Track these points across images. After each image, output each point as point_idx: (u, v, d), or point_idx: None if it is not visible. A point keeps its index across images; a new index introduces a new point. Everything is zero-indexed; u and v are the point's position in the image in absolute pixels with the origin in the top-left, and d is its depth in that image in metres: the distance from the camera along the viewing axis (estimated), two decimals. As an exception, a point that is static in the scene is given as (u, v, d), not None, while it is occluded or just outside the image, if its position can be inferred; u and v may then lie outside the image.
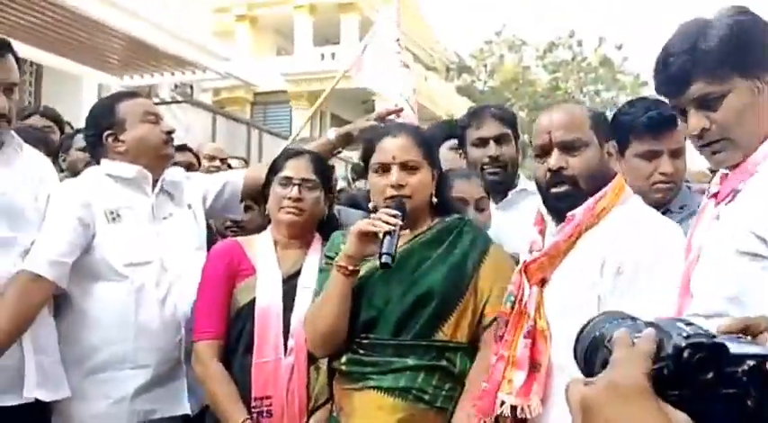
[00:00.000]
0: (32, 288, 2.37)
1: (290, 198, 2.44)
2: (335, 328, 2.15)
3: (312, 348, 2.24)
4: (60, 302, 2.54)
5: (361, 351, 2.15)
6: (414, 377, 2.09)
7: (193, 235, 2.67)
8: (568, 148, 1.97)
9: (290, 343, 2.35)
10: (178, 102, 12.99)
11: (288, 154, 2.62)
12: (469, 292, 2.16)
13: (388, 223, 2.05)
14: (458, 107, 26.41)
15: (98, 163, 2.73)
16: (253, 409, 2.32)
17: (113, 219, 2.56)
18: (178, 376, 2.57)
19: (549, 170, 1.97)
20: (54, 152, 3.92)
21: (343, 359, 2.17)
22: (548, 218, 2.09)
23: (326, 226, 2.55)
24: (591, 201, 1.96)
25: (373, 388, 2.11)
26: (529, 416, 1.90)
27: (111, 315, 2.51)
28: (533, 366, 1.92)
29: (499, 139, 2.89)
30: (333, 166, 2.72)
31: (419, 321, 2.11)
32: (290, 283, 2.44)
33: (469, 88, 32.01)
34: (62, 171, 3.67)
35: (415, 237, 2.22)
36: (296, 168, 2.49)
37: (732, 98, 1.65)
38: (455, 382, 2.13)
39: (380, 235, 2.05)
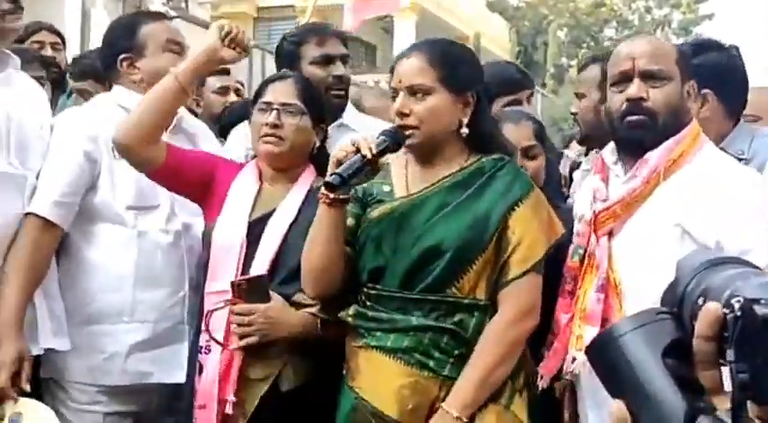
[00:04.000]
0: (43, 237, 2.42)
1: (266, 124, 2.39)
2: (324, 267, 2.14)
3: (304, 285, 2.21)
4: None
5: (368, 303, 2.15)
6: (418, 339, 2.07)
7: None
8: (652, 78, 2.04)
9: None
10: (171, 17, 12.82)
11: (271, 78, 2.59)
12: (494, 245, 2.09)
13: (359, 150, 2.03)
14: (488, 25, 25.99)
15: (110, 88, 2.71)
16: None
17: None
18: (179, 338, 2.57)
19: (628, 99, 2.02)
20: (63, 74, 3.87)
21: (351, 311, 2.17)
22: (611, 163, 2.13)
23: (320, 158, 2.49)
24: (669, 143, 2.01)
25: (374, 348, 2.11)
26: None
27: (109, 261, 2.52)
28: (603, 323, 1.98)
29: (345, 59, 2.96)
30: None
31: (429, 275, 2.08)
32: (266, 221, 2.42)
33: (502, 3, 31.39)
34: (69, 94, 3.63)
35: (443, 178, 2.16)
36: (276, 92, 2.45)
37: None
38: (467, 348, 2.08)
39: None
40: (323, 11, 21.36)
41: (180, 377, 2.52)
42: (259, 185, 2.46)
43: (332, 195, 2.07)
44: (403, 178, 2.21)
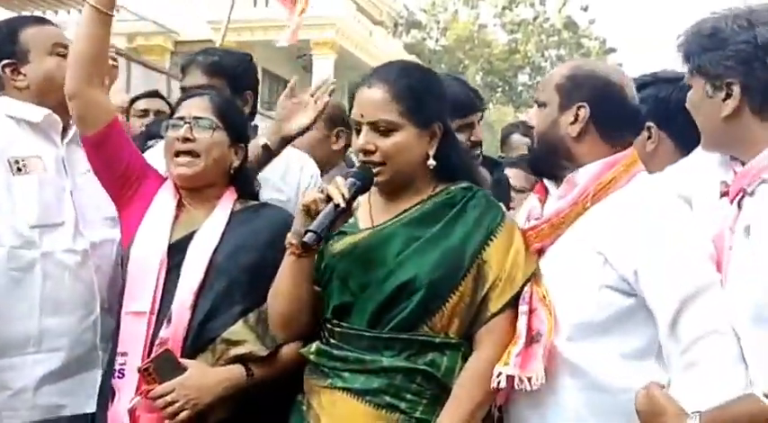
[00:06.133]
0: None
1: (178, 139, 2.29)
2: (292, 312, 2.10)
3: (272, 328, 2.16)
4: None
5: (333, 340, 2.05)
6: (389, 380, 1.96)
7: (110, 203, 2.48)
8: (536, 104, 2.12)
9: (173, 308, 2.22)
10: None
11: (187, 94, 2.50)
12: (469, 280, 1.98)
13: (330, 197, 1.94)
14: (406, 67, 26.31)
15: None
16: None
17: (18, 169, 2.38)
18: (92, 365, 2.43)
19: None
20: None
21: (312, 347, 2.07)
22: (551, 185, 2.13)
23: (241, 180, 2.41)
24: (599, 166, 2.00)
25: (341, 389, 2.00)
26: (528, 388, 1.90)
27: (10, 287, 2.32)
28: (533, 337, 1.94)
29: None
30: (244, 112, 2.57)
31: (400, 313, 1.98)
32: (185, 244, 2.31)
33: (419, 46, 31.96)
34: None
35: (409, 209, 2.07)
36: (190, 107, 2.36)
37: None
38: (440, 388, 1.98)
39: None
40: (244, 45, 21.28)
41: (92, 406, 2.37)
42: (177, 202, 2.36)
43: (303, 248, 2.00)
44: (367, 209, 2.12)
